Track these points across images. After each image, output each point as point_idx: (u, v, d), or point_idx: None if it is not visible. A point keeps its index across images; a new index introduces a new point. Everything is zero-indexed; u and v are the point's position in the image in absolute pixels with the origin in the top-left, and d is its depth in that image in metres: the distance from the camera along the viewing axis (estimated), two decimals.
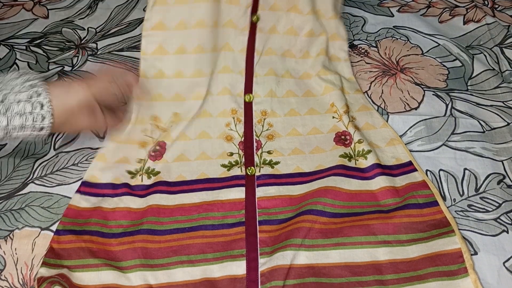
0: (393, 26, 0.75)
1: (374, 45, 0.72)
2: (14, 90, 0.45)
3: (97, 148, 0.60)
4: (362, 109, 0.62)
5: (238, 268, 0.50)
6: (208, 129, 0.60)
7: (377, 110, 0.63)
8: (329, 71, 0.65)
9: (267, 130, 0.61)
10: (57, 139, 0.61)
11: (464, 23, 0.75)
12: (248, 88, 0.63)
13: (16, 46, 0.73)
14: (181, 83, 0.62)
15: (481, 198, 0.55)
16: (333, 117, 0.62)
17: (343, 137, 0.60)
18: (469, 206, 0.54)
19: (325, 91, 0.64)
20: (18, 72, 0.48)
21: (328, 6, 0.66)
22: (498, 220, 0.53)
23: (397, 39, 0.72)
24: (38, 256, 0.51)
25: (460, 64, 0.69)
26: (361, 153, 0.58)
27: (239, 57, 0.64)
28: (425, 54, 0.70)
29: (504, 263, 0.50)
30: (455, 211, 0.54)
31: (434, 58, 0.70)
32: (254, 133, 0.60)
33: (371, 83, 0.67)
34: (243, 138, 0.59)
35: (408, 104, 0.63)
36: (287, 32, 0.65)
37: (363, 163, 0.57)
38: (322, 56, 0.66)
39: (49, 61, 0.71)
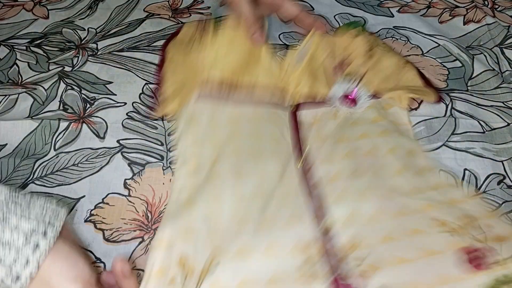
0: (393, 27, 0.75)
1: None
2: (23, 215, 0.41)
3: (98, 148, 0.60)
4: (491, 216, 0.47)
5: None
6: None
7: None
8: (426, 188, 0.50)
9: (359, 264, 0.43)
10: (57, 139, 0.61)
11: (464, 23, 0.75)
12: (322, 214, 0.48)
13: (16, 47, 0.73)
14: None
15: (481, 198, 0.55)
16: (447, 231, 0.45)
17: (478, 253, 0.42)
18: None
19: (425, 209, 0.47)
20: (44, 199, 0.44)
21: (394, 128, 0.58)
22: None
23: (397, 39, 0.72)
24: None
25: (460, 65, 0.69)
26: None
27: (296, 201, 0.50)
28: (425, 54, 0.70)
29: None
30: None
31: (434, 59, 0.70)
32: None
33: None
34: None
35: (408, 105, 0.63)
36: (345, 157, 0.54)
37: None
38: (406, 174, 0.52)
39: (49, 61, 0.71)
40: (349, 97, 0.61)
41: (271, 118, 0.60)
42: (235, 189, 0.53)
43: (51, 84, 0.67)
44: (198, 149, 0.57)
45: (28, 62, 0.71)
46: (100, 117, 0.63)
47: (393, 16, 0.77)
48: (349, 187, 0.50)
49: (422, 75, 0.65)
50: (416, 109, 0.63)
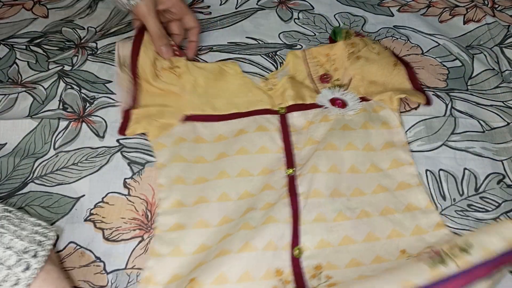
0: (393, 26, 0.75)
1: None
2: (16, 233, 0.42)
3: (97, 148, 0.60)
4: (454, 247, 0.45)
5: None
6: None
7: None
8: (396, 209, 0.53)
9: (325, 282, 0.47)
10: (57, 139, 0.61)
11: (464, 23, 0.75)
12: (296, 240, 0.50)
13: (16, 46, 0.73)
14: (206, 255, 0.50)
15: (481, 198, 0.55)
16: (407, 258, 0.49)
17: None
18: (468, 205, 0.54)
19: (392, 235, 0.51)
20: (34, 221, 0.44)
21: (380, 140, 0.58)
22: (498, 220, 0.53)
23: (397, 38, 0.72)
24: None
25: (460, 64, 0.69)
26: (458, 251, 0.42)
27: (281, 206, 0.52)
28: (425, 53, 0.70)
29: None
30: (455, 211, 0.54)
31: (434, 58, 0.70)
32: None
33: None
34: None
35: (408, 104, 0.63)
36: (330, 170, 0.55)
37: (467, 259, 0.42)
38: (381, 194, 0.54)
39: (49, 60, 0.71)
40: (337, 101, 0.61)
41: (260, 126, 0.59)
42: (220, 212, 0.53)
43: (51, 83, 0.67)
44: (186, 174, 0.56)
45: (27, 61, 0.71)
46: (100, 116, 0.63)
47: (393, 15, 0.77)
48: (325, 212, 0.52)
49: (412, 77, 0.64)
50: (416, 108, 0.63)
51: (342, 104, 0.60)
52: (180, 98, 0.62)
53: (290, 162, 0.57)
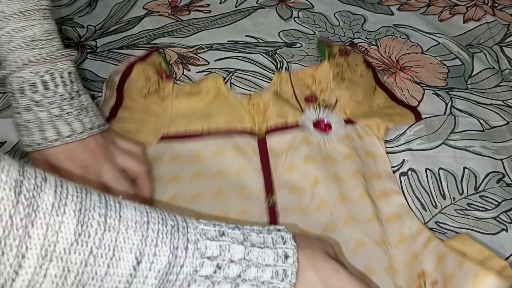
0: (393, 25, 0.75)
1: (374, 43, 0.72)
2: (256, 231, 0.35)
3: None
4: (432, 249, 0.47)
5: None
6: None
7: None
8: (385, 241, 0.50)
9: None
10: None
11: (464, 21, 0.75)
12: None
13: None
14: None
15: (480, 196, 0.55)
16: (391, 272, 0.48)
17: None
18: (468, 204, 0.54)
19: (388, 269, 0.48)
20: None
21: (367, 171, 0.56)
22: (498, 218, 0.53)
23: (397, 37, 0.72)
24: None
25: (460, 63, 0.69)
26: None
27: None
28: (425, 52, 0.70)
29: None
30: (455, 210, 0.54)
31: (434, 57, 0.70)
32: None
33: None
34: None
35: (408, 103, 0.63)
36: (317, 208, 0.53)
37: None
38: (374, 222, 0.51)
39: None
40: (321, 123, 0.59)
41: (238, 148, 0.58)
42: None
43: None
44: (159, 193, 0.54)
45: None
46: None
47: (393, 14, 0.77)
48: None
49: (393, 98, 0.63)
50: (415, 107, 0.63)
51: (325, 128, 0.59)
52: (160, 118, 0.61)
53: (269, 187, 0.55)
